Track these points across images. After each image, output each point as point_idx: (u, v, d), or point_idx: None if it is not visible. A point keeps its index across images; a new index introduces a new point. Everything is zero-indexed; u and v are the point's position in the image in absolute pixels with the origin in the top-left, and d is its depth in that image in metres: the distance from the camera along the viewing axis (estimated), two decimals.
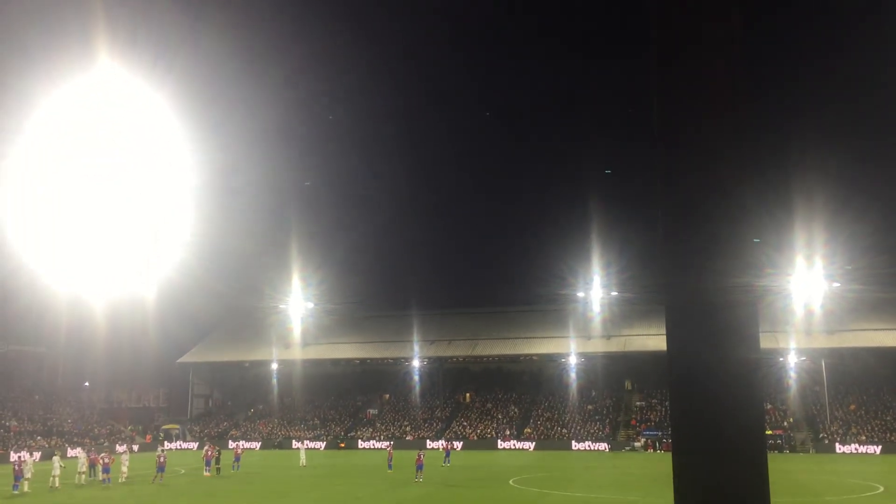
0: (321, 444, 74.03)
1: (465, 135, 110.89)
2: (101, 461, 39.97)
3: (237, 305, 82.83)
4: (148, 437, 77.65)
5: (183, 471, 47.16)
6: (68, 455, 56.41)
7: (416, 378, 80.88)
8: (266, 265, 75.05)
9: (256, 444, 75.26)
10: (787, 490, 32.28)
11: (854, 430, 64.20)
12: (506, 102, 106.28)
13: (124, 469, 41.00)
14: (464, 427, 75.20)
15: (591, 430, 70.53)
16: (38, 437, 66.22)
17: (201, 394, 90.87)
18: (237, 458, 48.41)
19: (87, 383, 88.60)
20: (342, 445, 73.88)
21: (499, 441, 70.85)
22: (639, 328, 72.70)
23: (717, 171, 3.16)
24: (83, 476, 39.80)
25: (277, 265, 74.85)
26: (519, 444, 69.82)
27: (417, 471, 40.05)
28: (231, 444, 68.07)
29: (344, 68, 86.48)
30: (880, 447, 60.79)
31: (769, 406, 67.76)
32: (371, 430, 77.28)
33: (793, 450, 63.18)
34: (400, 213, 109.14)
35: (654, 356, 67.19)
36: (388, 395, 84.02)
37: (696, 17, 3.22)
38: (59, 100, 51.68)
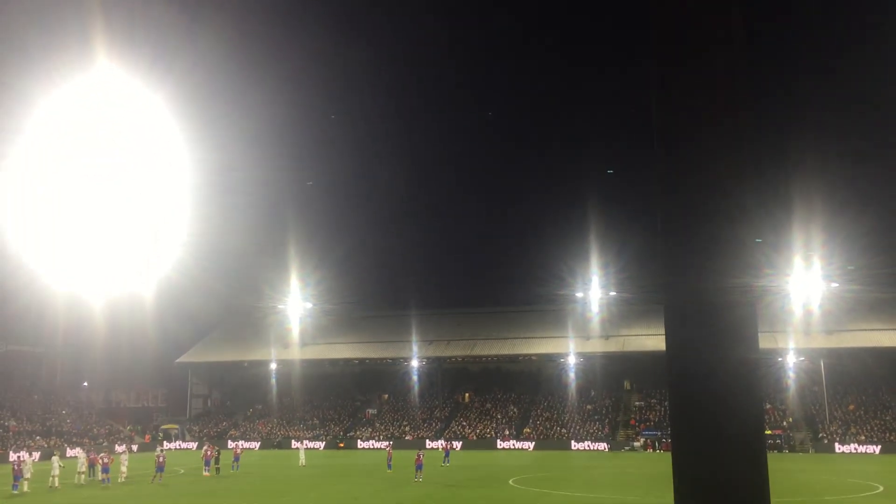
0: (320, 444, 74.03)
1: (464, 134, 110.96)
2: (100, 461, 39.95)
3: (236, 305, 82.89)
4: (147, 436, 77.62)
5: (182, 471, 47.14)
6: (67, 455, 56.39)
7: (415, 378, 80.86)
8: (265, 265, 75.09)
9: (256, 444, 75.24)
10: (787, 490, 32.30)
11: (853, 430, 64.26)
12: (505, 102, 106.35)
13: (123, 469, 40.98)
14: (463, 427, 75.21)
15: (591, 430, 70.55)
16: (38, 437, 66.18)
17: (200, 394, 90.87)
18: (236, 458, 48.38)
19: (85, 383, 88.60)
20: (341, 445, 73.87)
21: (498, 441, 70.86)
22: (637, 328, 72.73)
23: (716, 171, 3.17)
24: (82, 476, 39.79)
25: (276, 265, 74.90)
26: (518, 444, 69.82)
27: (417, 471, 40.05)
28: (230, 444, 68.02)
29: (343, 68, 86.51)
30: (879, 447, 60.83)
31: (768, 406, 67.82)
32: (370, 430, 77.28)
33: (792, 450, 63.23)
34: (398, 213, 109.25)
35: (652, 356, 67.23)
36: (387, 395, 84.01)
37: (696, 17, 3.23)
38: (58, 100, 51.66)
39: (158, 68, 52.44)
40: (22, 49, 50.55)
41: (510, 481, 39.57)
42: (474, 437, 72.32)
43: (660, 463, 50.78)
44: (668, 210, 3.22)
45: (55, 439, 66.84)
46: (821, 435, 64.83)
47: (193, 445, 74.34)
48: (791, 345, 67.31)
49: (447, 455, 52.20)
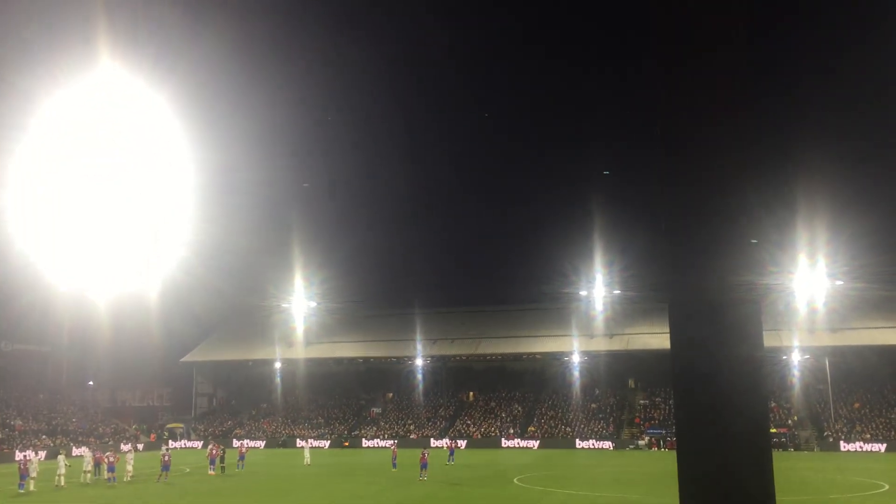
0: (325, 443, 74.14)
1: (468, 133, 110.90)
2: (105, 460, 40.01)
3: (240, 304, 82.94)
4: (152, 435, 77.81)
5: (187, 469, 47.24)
6: (73, 454, 56.52)
7: (420, 377, 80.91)
8: (269, 264, 75.13)
9: (260, 443, 75.37)
10: (792, 488, 32.26)
11: (858, 428, 64.14)
12: (510, 101, 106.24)
13: (129, 468, 41.04)
14: (467, 425, 75.23)
15: (595, 429, 70.53)
16: (43, 436, 66.37)
17: (205, 393, 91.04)
18: (241, 457, 48.45)
19: (91, 382, 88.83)
20: (346, 444, 73.96)
21: (502, 439, 70.88)
22: (642, 326, 72.65)
23: (719, 170, 3.18)
24: (88, 475, 39.86)
25: (280, 264, 74.93)
26: (523, 443, 69.82)
27: (421, 469, 40.06)
28: (235, 443, 68.21)
29: (346, 68, 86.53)
30: (885, 445, 60.70)
31: (773, 404, 67.69)
32: (375, 428, 77.34)
33: (797, 448, 63.13)
34: (403, 212, 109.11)
35: (657, 354, 67.19)
36: (391, 394, 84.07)
37: (698, 17, 3.24)
38: (62, 100, 51.76)
39: (162, 69, 52.51)
40: (26, 49, 50.67)
41: (515, 480, 39.57)
42: (479, 436, 72.35)
43: (664, 461, 50.68)
44: (671, 209, 3.24)
45: (61, 438, 67.03)
46: (826, 433, 64.71)
47: (198, 444, 74.51)
48: (796, 343, 67.18)
49: (452, 454, 52.24)
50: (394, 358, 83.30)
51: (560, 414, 74.32)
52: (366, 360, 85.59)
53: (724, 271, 3.07)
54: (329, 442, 74.56)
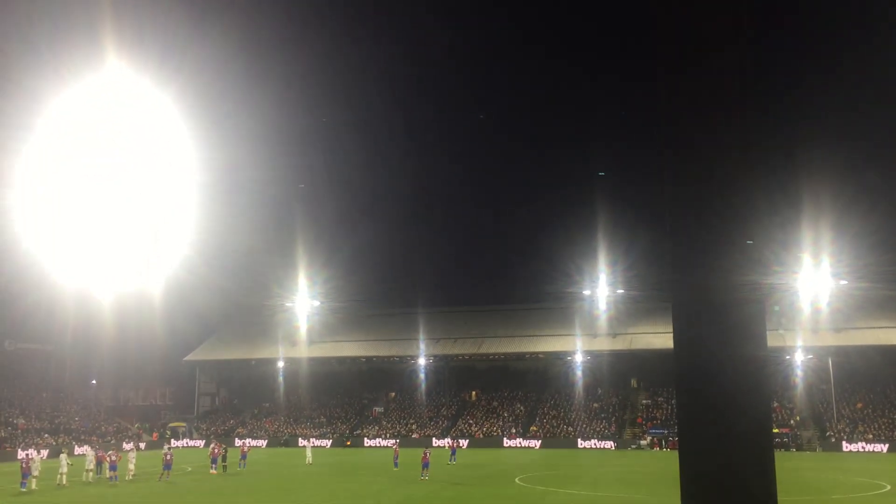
0: (327, 442, 74.19)
1: (471, 132, 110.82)
2: (108, 459, 40.07)
3: (243, 303, 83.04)
4: (155, 434, 77.91)
5: (189, 468, 47.31)
6: (76, 453, 56.59)
7: (422, 376, 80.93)
8: (272, 263, 75.18)
9: (263, 442, 75.45)
10: (794, 488, 32.23)
11: (861, 429, 64.03)
12: (512, 101, 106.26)
13: (131, 467, 41.08)
14: (470, 425, 75.23)
15: (597, 429, 70.49)
16: (46, 435, 66.49)
17: (208, 392, 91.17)
18: (243, 456, 48.50)
19: (94, 381, 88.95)
20: (348, 443, 74.01)
21: (504, 439, 70.87)
22: (644, 326, 72.62)
23: (723, 169, 3.17)
24: (90, 474, 39.94)
25: (283, 263, 75.00)
26: (525, 443, 69.80)
27: (423, 468, 40.09)
28: (237, 442, 68.25)
29: (349, 68, 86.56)
30: (887, 445, 60.60)
31: (776, 404, 67.61)
32: (377, 428, 77.38)
33: (799, 448, 63.04)
34: (406, 211, 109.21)
35: (659, 354, 67.17)
36: (393, 394, 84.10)
37: (701, 17, 3.23)
38: (68, 99, 51.86)
39: (167, 68, 52.60)
40: (32, 48, 50.78)
41: (516, 479, 39.58)
42: (481, 436, 72.35)
43: (667, 461, 50.68)
44: (675, 208, 3.23)
45: (63, 437, 67.15)
46: (828, 433, 64.62)
47: (201, 443, 74.62)
48: (799, 343, 67.11)
49: (453, 453, 52.26)
50: (396, 357, 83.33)
51: (562, 413, 74.31)
52: (368, 359, 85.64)
53: (728, 271, 3.06)
54: (331, 441, 74.61)
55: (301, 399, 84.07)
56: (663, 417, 70.11)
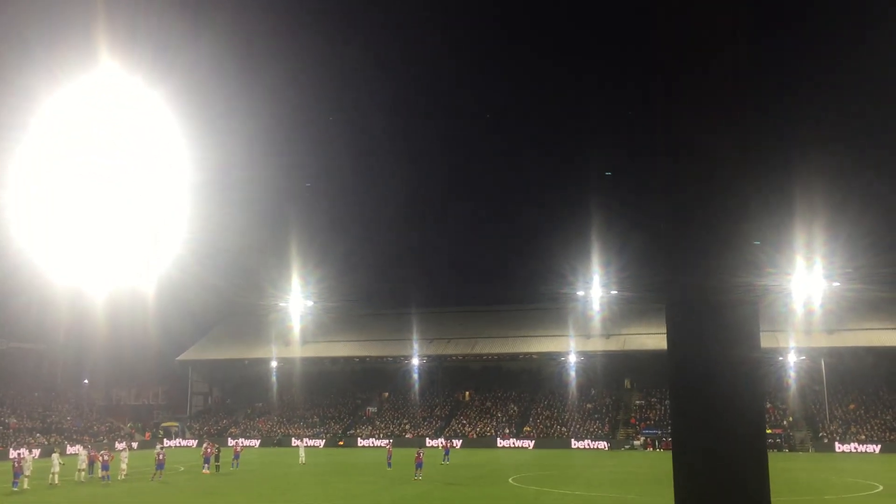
0: (320, 442, 74.11)
1: (465, 133, 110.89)
2: (100, 458, 39.97)
3: (237, 303, 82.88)
4: (147, 434, 77.70)
5: (182, 468, 47.19)
6: (68, 452, 56.46)
7: (416, 376, 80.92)
8: (266, 263, 75.04)
9: (256, 442, 75.30)
10: (787, 489, 32.32)
11: (853, 430, 64.27)
12: (507, 102, 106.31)
13: (123, 466, 41.00)
14: (463, 425, 75.25)
15: (591, 429, 70.58)
16: (38, 435, 66.26)
17: (201, 391, 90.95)
18: (236, 456, 48.43)
19: (86, 380, 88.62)
20: (341, 443, 73.94)
21: (498, 439, 70.89)
22: (638, 327, 72.74)
23: (717, 171, 3.16)
24: (83, 473, 39.81)
25: (277, 263, 74.88)
26: (518, 443, 69.86)
27: (417, 469, 40.07)
28: (230, 442, 68.11)
29: (345, 67, 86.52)
30: (879, 446, 60.85)
31: (769, 405, 67.78)
32: (370, 428, 77.33)
33: (792, 449, 63.27)
34: (400, 211, 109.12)
35: (653, 355, 67.25)
36: (387, 394, 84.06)
37: (700, 18, 3.22)
38: (60, 98, 51.68)
39: (160, 67, 52.45)
40: (25, 47, 50.60)
41: (510, 479, 39.60)
42: (474, 436, 72.36)
43: (660, 462, 50.82)
44: (669, 209, 3.22)
45: (55, 436, 66.92)
46: (821, 434, 64.85)
47: (193, 443, 74.45)
48: (792, 344, 67.31)
49: (447, 453, 52.24)
50: (390, 357, 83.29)
51: (556, 414, 74.38)
52: (362, 359, 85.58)
53: (722, 272, 3.06)
54: (324, 441, 74.53)
55: (294, 399, 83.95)
56: (657, 418, 70.26)
